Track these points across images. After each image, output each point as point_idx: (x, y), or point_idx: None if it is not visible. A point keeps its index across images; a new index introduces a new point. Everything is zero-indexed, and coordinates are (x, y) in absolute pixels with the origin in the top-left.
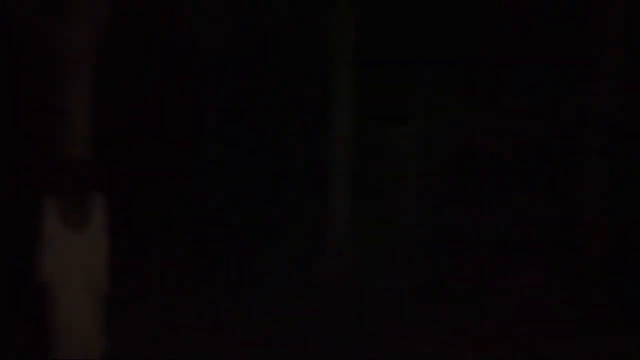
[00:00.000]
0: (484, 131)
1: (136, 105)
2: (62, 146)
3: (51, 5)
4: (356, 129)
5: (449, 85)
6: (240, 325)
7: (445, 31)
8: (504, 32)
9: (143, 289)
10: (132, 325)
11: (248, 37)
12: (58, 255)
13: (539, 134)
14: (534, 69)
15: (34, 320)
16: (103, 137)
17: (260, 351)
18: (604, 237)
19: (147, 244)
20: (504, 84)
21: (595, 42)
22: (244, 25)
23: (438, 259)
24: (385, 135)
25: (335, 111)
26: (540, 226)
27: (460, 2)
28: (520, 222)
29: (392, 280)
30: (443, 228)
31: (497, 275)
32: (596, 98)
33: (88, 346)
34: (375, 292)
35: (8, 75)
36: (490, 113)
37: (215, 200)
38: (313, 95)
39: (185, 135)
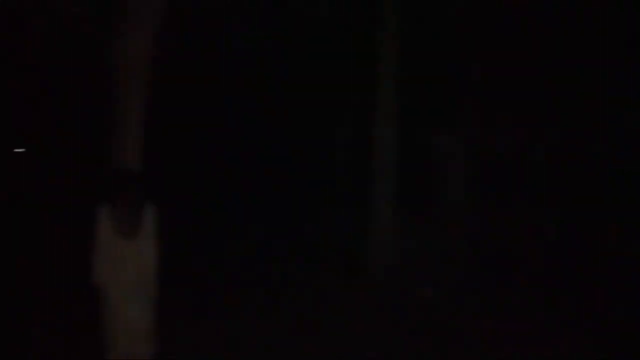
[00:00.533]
0: (529, 140)
1: (184, 115)
2: (115, 156)
3: (104, 15)
4: (400, 137)
5: (494, 92)
6: (278, 332)
7: (491, 38)
8: (548, 43)
9: (192, 293)
10: (181, 327)
11: (293, 46)
12: (111, 262)
13: (584, 145)
14: (581, 79)
15: (89, 322)
16: (154, 146)
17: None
18: None
19: (195, 251)
20: (550, 94)
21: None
22: (289, 33)
23: (481, 268)
24: (430, 142)
25: (380, 118)
26: (583, 236)
27: (504, 11)
28: (563, 232)
29: (435, 289)
30: (488, 237)
31: (539, 282)
32: None
33: (139, 347)
34: (418, 301)
35: (61, 86)
36: (535, 122)
37: (258, 208)
38: (357, 102)
39: (231, 144)
